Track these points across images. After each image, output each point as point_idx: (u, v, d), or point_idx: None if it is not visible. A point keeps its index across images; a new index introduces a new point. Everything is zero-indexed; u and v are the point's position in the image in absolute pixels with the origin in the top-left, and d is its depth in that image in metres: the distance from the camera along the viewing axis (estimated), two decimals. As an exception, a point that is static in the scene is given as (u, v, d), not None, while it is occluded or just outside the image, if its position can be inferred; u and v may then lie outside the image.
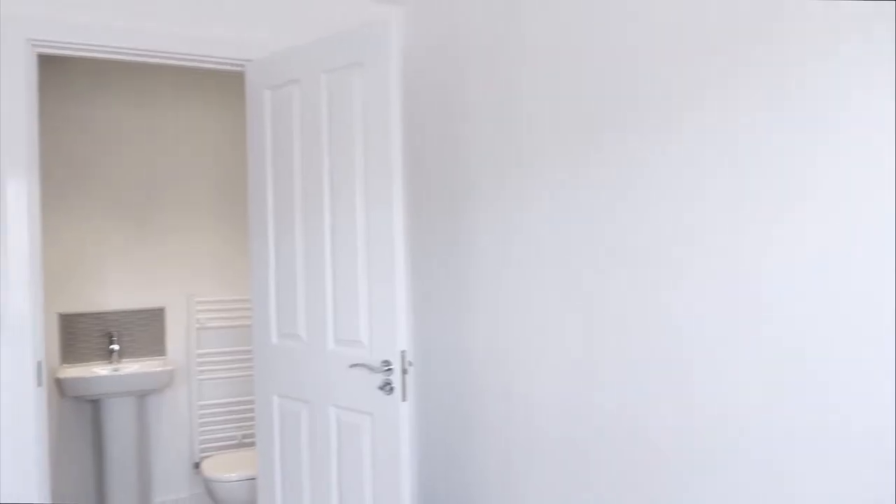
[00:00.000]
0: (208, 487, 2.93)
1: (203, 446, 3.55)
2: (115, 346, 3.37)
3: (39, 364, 2.32)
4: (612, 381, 1.86)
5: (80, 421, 3.38)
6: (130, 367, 3.36)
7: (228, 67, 2.60)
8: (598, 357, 1.90)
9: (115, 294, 3.46)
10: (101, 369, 3.30)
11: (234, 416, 3.52)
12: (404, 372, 2.11)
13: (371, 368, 2.14)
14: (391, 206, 2.12)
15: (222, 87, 3.64)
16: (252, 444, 3.34)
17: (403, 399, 2.10)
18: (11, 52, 2.28)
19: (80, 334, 3.38)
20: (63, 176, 3.37)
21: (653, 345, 1.75)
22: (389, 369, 2.11)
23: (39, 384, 2.32)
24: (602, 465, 1.89)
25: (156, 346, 3.51)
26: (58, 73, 3.35)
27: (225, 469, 2.95)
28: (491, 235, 2.29)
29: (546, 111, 2.04)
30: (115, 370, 3.30)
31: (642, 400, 1.77)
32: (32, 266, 2.31)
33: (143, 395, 3.37)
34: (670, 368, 1.70)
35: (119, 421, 3.17)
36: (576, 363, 1.96)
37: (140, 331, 3.48)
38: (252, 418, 3.26)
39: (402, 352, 2.11)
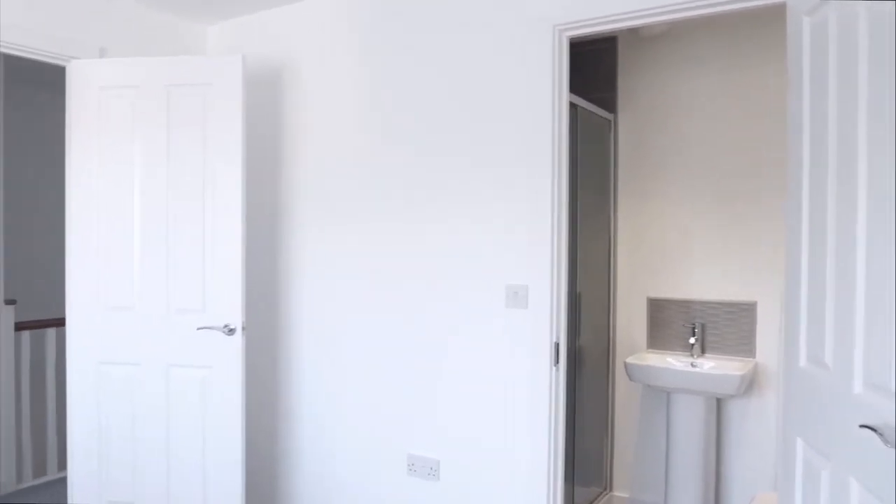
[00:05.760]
0: (751, 526, 2.40)
1: (787, 474, 2.94)
2: (693, 340, 3.14)
3: (556, 345, 2.36)
4: None
5: (656, 408, 3.31)
6: (707, 363, 3.07)
7: (766, 1, 2.03)
8: None
9: (702, 283, 3.21)
10: (676, 360, 3.14)
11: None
12: (949, 456, 1.21)
13: (882, 435, 1.31)
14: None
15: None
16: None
17: (943, 502, 1.21)
18: (541, 43, 2.36)
19: (665, 321, 3.29)
20: (651, 163, 3.32)
21: None
22: (924, 444, 1.25)
23: (556, 363, 2.36)
24: None
25: (743, 344, 3.10)
26: (634, 55, 3.32)
27: (774, 511, 2.36)
28: None
29: None
30: (692, 365, 3.08)
31: None
32: (553, 252, 2.36)
33: (713, 397, 3.03)
34: None
35: (685, 418, 2.94)
36: None
37: (726, 325, 3.14)
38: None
39: (948, 421, 1.21)
